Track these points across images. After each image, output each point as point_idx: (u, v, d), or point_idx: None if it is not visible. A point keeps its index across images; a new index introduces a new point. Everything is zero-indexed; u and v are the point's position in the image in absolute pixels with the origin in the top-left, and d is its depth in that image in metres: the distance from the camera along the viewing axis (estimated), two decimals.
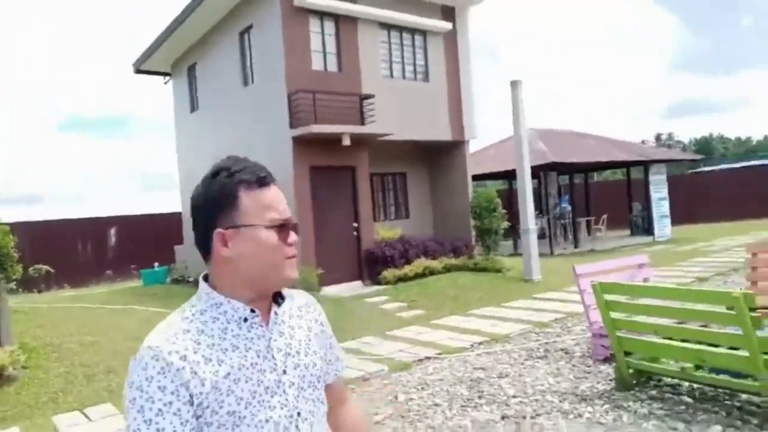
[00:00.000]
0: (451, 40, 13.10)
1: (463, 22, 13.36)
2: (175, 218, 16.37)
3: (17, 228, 16.39)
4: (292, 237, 1.23)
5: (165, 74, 15.79)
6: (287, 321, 1.27)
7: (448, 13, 13.05)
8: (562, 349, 6.58)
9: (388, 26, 12.09)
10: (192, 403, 1.08)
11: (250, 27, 11.60)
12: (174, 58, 14.84)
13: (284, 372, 1.20)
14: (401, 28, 12.32)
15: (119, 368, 6.70)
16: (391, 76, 12.21)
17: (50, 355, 7.31)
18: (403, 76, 12.45)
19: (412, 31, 12.49)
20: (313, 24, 11.00)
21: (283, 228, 1.22)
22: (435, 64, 12.85)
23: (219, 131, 13.07)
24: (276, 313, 1.24)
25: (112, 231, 18.64)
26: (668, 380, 4.91)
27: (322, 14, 11.08)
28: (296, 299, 1.36)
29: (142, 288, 14.12)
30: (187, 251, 15.32)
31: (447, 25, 12.79)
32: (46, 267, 16.65)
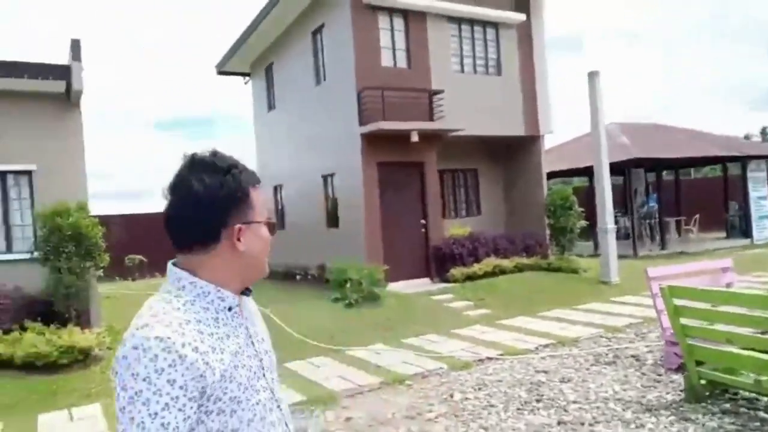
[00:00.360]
0: (524, 31, 12.73)
1: (538, 12, 12.94)
2: None
3: (117, 221, 17.96)
4: (272, 235, 1.32)
5: (245, 74, 16.45)
6: (247, 313, 1.32)
7: (522, 4, 12.68)
8: (632, 356, 6.25)
9: (458, 20, 11.93)
10: (200, 397, 1.08)
11: (322, 26, 11.84)
12: (252, 59, 15.43)
13: (261, 358, 1.26)
14: (472, 21, 12.12)
15: None
16: (462, 70, 12.04)
17: None
18: (474, 71, 12.24)
19: (484, 23, 12.25)
20: (383, 21, 11.04)
21: (274, 226, 1.32)
22: (508, 57, 12.54)
23: (294, 128, 13.46)
24: (246, 304, 1.31)
25: None
26: (745, 393, 4.54)
27: (391, 11, 11.11)
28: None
29: None
30: None
31: (520, 16, 12.44)
32: (139, 257, 18.02)
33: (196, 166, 1.21)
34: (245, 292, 1.31)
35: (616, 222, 12.69)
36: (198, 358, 1.07)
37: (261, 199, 1.27)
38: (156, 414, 1.02)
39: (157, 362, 1.03)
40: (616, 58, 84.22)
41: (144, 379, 1.03)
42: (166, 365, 1.03)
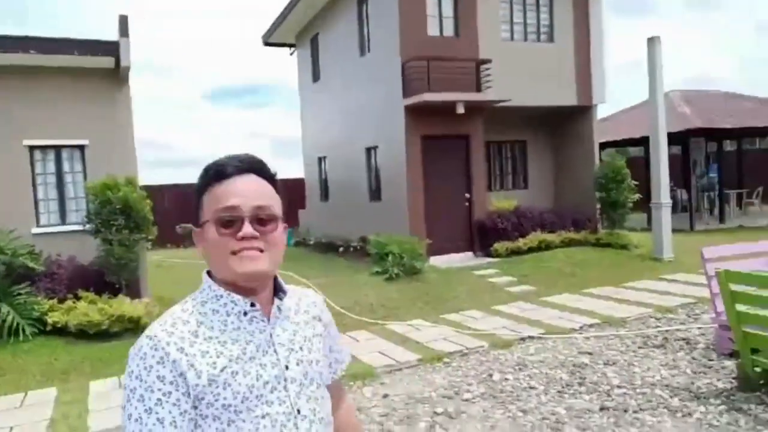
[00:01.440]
0: None
1: None
2: (299, 183, 17.20)
3: (168, 190, 18.51)
4: (245, 230, 1.13)
5: (291, 45, 16.40)
6: (292, 317, 1.24)
7: None
8: (683, 339, 5.99)
9: None
10: (189, 395, 1.07)
11: None
12: (298, 29, 15.32)
13: (287, 367, 1.16)
14: None
15: None
16: (512, 38, 11.59)
17: None
18: (525, 38, 11.75)
19: None
20: None
21: (230, 222, 1.13)
22: (561, 23, 11.96)
23: (338, 100, 13.37)
24: (279, 308, 1.21)
25: None
26: None
27: None
28: (303, 297, 1.33)
29: None
30: (309, 215, 16.07)
31: None
32: (190, 226, 18.53)
33: None
34: (278, 294, 1.23)
35: (674, 194, 12.09)
36: (182, 358, 1.06)
37: (213, 195, 1.16)
38: (150, 410, 1.04)
39: (146, 360, 1.06)
40: (681, 20, 79.47)
41: (137, 377, 1.06)
42: (154, 362, 1.06)
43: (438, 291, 8.66)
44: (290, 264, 10.99)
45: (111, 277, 7.40)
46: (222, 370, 1.09)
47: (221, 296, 1.15)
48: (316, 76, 14.88)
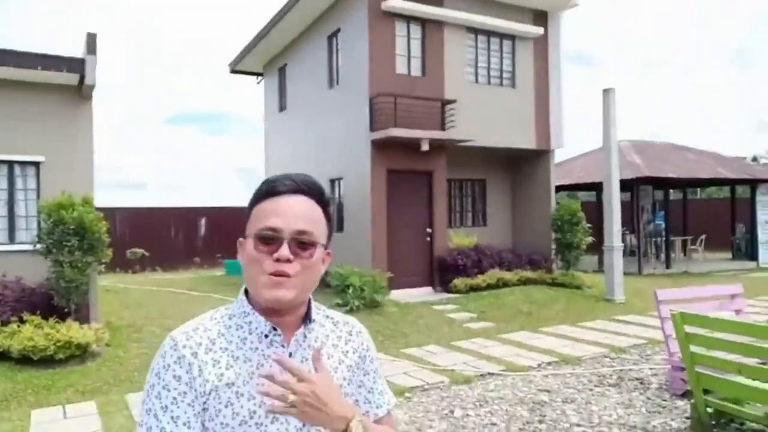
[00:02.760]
0: (541, 45, 12.66)
1: (555, 27, 12.87)
2: None
3: (120, 213, 17.95)
4: (281, 252, 1.10)
5: (258, 74, 16.44)
6: (317, 347, 1.17)
7: (540, 18, 12.61)
8: (637, 379, 6.15)
9: (476, 30, 11.87)
10: (199, 399, 1.08)
11: (338, 30, 11.80)
12: (266, 59, 15.41)
13: None
14: (489, 33, 12.05)
15: None
16: (476, 81, 11.98)
17: (132, 336, 7.80)
18: (489, 82, 12.18)
19: (501, 35, 12.18)
20: (399, 28, 10.99)
21: (270, 240, 1.12)
22: (523, 69, 12.47)
23: (304, 131, 13.42)
24: (305, 336, 1.18)
25: (203, 221, 19.67)
26: (752, 425, 4.43)
27: (409, 18, 11.05)
28: (343, 325, 1.28)
29: (225, 277, 14.79)
30: None
31: (538, 30, 12.37)
32: (141, 251, 17.98)
33: None
34: (306, 321, 1.19)
35: (623, 239, 12.56)
36: (194, 362, 1.08)
37: (260, 210, 1.15)
38: (166, 408, 1.06)
39: (165, 359, 1.09)
40: (629, 74, 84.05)
41: (156, 374, 1.09)
42: (172, 362, 1.08)
43: (398, 325, 8.64)
44: None
45: (60, 301, 7.06)
46: (227, 386, 1.08)
47: (248, 313, 1.16)
48: (282, 106, 14.93)
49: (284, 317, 1.15)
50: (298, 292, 1.12)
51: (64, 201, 7.04)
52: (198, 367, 1.08)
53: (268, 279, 1.11)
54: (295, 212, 1.14)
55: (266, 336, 1.14)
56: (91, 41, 7.52)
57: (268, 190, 1.17)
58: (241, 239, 1.18)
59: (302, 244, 1.13)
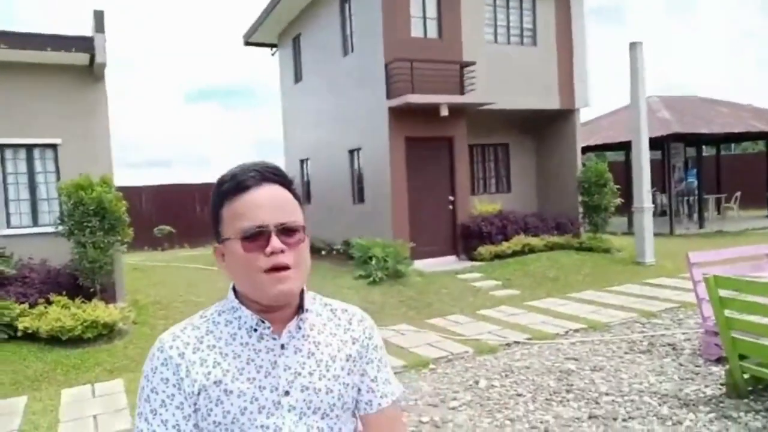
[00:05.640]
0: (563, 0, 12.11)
1: None
2: None
3: (146, 191, 18.14)
4: (273, 244, 1.06)
5: (272, 46, 16.19)
6: (313, 336, 1.16)
7: None
8: (669, 344, 5.95)
9: None
10: (189, 400, 1.07)
11: None
12: (280, 29, 15.12)
13: (286, 393, 1.09)
14: None
15: None
16: (495, 41, 11.56)
17: (158, 313, 7.88)
18: (508, 41, 11.74)
19: None
20: None
21: (257, 236, 1.07)
22: (544, 26, 11.98)
23: (320, 101, 13.21)
24: (299, 327, 1.14)
25: None
26: None
27: None
28: (340, 312, 1.24)
29: None
30: None
31: None
32: (168, 228, 18.21)
33: None
34: (299, 312, 1.15)
35: (653, 199, 12.17)
36: (181, 363, 1.07)
37: (233, 210, 1.10)
38: (155, 411, 1.05)
39: (153, 361, 1.08)
40: (659, 27, 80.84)
41: (145, 377, 1.08)
42: (159, 364, 1.07)
43: (422, 295, 8.56)
44: None
45: (85, 281, 7.15)
46: (216, 384, 1.06)
47: (237, 308, 1.13)
48: (298, 77, 14.71)
49: (277, 312, 1.12)
50: (298, 282, 1.11)
51: (82, 182, 7.06)
52: (185, 367, 1.06)
53: (269, 277, 1.07)
54: (272, 202, 1.10)
55: (254, 330, 1.11)
56: (99, 19, 7.42)
57: (235, 187, 1.11)
58: (217, 245, 1.14)
59: (288, 230, 1.09)
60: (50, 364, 6.02)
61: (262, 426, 1.06)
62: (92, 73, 7.89)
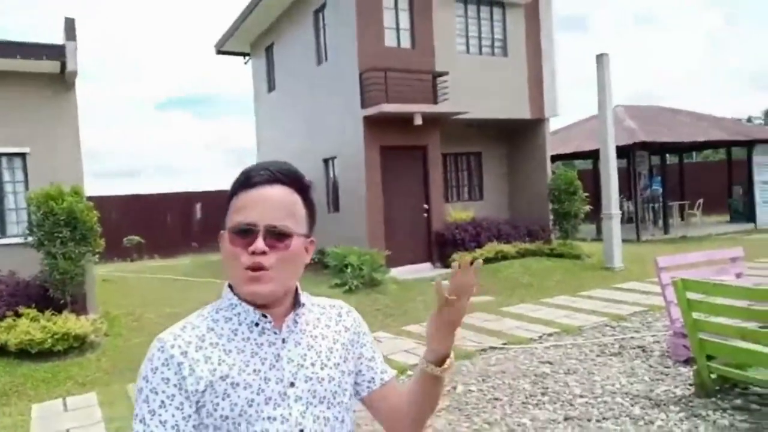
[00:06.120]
0: (532, 11, 12.41)
1: None
2: None
3: (115, 201, 17.80)
4: (256, 245, 1.07)
5: (245, 54, 16.14)
6: (310, 330, 1.19)
7: None
8: (639, 347, 6.12)
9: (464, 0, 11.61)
10: (191, 400, 1.06)
11: (324, 5, 11.53)
12: (253, 38, 15.10)
13: (291, 384, 1.11)
14: (479, 1, 11.80)
15: None
16: (467, 51, 11.77)
17: (130, 324, 7.75)
18: (480, 51, 11.97)
19: (491, 2, 11.95)
20: None
21: (245, 233, 1.09)
22: (514, 37, 12.25)
23: (294, 110, 13.22)
24: (296, 321, 1.17)
25: (198, 206, 19.56)
26: (756, 389, 4.41)
27: None
28: (330, 308, 1.29)
29: None
30: None
31: None
32: (137, 238, 17.89)
33: None
34: (296, 307, 1.18)
35: (620, 206, 12.50)
36: (184, 362, 1.06)
37: (236, 203, 1.12)
38: (154, 412, 1.04)
39: (153, 362, 1.07)
40: (622, 38, 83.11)
41: (144, 378, 1.07)
42: (160, 364, 1.06)
43: (398, 303, 8.61)
44: None
45: (55, 293, 6.99)
46: (222, 379, 1.06)
47: (235, 305, 1.14)
48: (271, 86, 14.69)
49: (272, 308, 1.14)
50: (275, 285, 1.10)
51: (52, 192, 6.93)
52: (189, 366, 1.06)
53: (245, 274, 1.09)
54: (270, 203, 1.11)
55: (256, 324, 1.13)
56: (70, 27, 7.32)
57: (243, 182, 1.13)
58: (221, 232, 1.15)
59: (278, 235, 1.10)
60: (19, 377, 5.87)
61: (269, 417, 1.07)
62: (63, 81, 7.77)
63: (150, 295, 9.68)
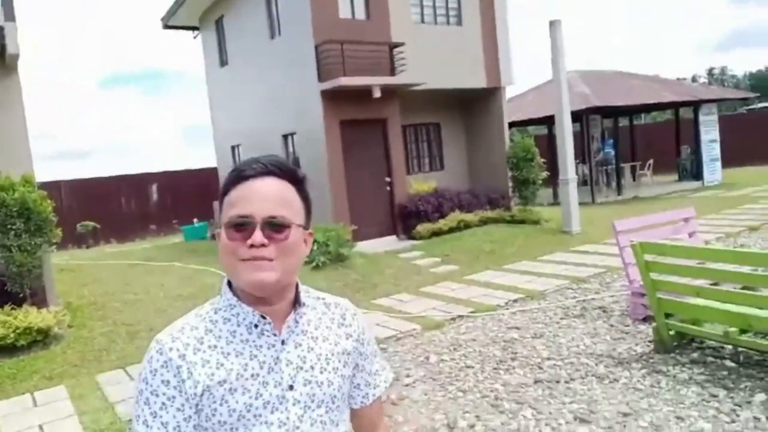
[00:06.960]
0: None
1: None
2: (212, 173, 16.54)
3: (65, 186, 17.14)
4: (254, 237, 1.06)
5: (194, 28, 15.58)
6: (311, 331, 1.18)
7: None
8: (600, 307, 6.39)
9: None
10: (190, 402, 1.06)
11: None
12: (201, 11, 14.55)
13: (290, 387, 1.11)
14: None
15: (160, 326, 6.80)
16: (422, 20, 11.69)
17: (94, 314, 7.58)
18: (435, 21, 11.90)
19: None
20: None
21: (242, 227, 1.07)
22: (468, 6, 12.21)
23: (249, 85, 12.91)
24: (297, 321, 1.15)
25: (154, 187, 19.05)
26: (711, 343, 4.70)
27: None
28: (335, 308, 1.26)
29: (184, 243, 14.44)
30: None
31: None
32: (93, 223, 17.34)
33: None
34: (296, 307, 1.16)
35: (575, 170, 12.83)
36: (182, 365, 1.06)
37: (230, 198, 1.11)
38: (155, 414, 1.04)
39: (152, 363, 1.06)
40: (574, 4, 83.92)
41: (143, 380, 1.07)
42: (159, 366, 1.06)
43: (366, 277, 8.68)
44: (208, 258, 10.59)
45: (13, 287, 6.74)
46: (220, 384, 1.06)
47: (234, 305, 1.12)
48: (223, 61, 14.27)
49: (273, 305, 1.12)
50: (280, 274, 1.08)
51: (2, 182, 6.62)
52: (187, 369, 1.05)
53: (247, 265, 1.07)
54: (265, 195, 1.10)
55: (255, 326, 1.11)
56: (8, 6, 6.90)
57: (236, 177, 1.12)
58: (218, 230, 1.14)
59: (276, 226, 1.08)
60: None
61: (266, 422, 1.07)
62: (4, 65, 7.35)
63: (111, 283, 9.45)
